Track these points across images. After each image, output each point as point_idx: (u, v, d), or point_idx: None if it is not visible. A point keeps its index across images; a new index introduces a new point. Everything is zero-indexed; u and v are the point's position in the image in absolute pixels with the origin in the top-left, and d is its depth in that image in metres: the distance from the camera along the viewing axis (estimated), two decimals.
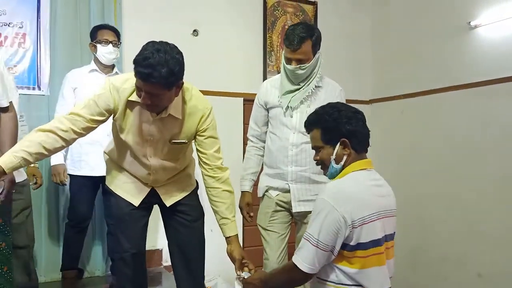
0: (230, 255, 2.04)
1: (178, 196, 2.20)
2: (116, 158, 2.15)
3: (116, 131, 2.04)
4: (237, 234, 2.07)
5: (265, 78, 3.85)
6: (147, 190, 2.16)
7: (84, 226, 2.97)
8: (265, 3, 3.89)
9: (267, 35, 3.90)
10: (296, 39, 2.25)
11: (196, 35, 3.62)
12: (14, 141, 2.00)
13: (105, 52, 2.89)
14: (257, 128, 2.55)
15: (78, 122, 1.86)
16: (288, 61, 2.32)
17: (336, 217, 1.54)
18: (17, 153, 1.72)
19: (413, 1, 3.89)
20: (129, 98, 1.90)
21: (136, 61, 1.72)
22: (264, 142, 2.54)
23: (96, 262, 3.29)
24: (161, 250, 3.43)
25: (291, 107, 2.37)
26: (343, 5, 4.24)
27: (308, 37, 2.27)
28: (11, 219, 1.96)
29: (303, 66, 2.30)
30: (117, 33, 2.95)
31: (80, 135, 1.88)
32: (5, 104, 2.04)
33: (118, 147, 2.10)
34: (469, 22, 3.35)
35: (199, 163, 2.12)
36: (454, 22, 3.49)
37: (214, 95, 3.57)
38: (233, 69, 3.75)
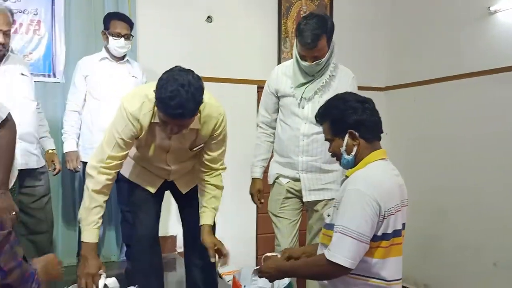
0: (204, 243, 2.06)
1: (193, 183, 2.23)
2: (135, 159, 2.18)
3: (136, 146, 2.07)
4: (211, 225, 2.09)
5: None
6: (162, 180, 2.21)
7: None
8: None
9: (282, 21, 3.86)
10: (310, 37, 2.18)
11: (210, 22, 3.59)
12: (7, 161, 1.93)
13: (117, 46, 2.87)
14: (267, 115, 2.53)
15: (117, 163, 1.94)
16: (303, 57, 2.27)
17: (374, 207, 1.53)
18: (95, 224, 1.93)
19: None
20: (152, 121, 1.91)
21: (162, 100, 1.70)
22: (274, 129, 2.53)
23: (111, 247, 3.33)
24: (175, 237, 3.46)
25: (305, 98, 2.34)
26: None
27: (323, 33, 2.20)
28: None
29: (319, 61, 2.26)
30: (130, 24, 2.91)
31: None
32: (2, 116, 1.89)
33: (136, 154, 2.14)
34: (489, 7, 3.26)
35: (198, 160, 2.14)
36: (474, 7, 3.40)
37: (228, 82, 3.56)
38: (247, 56, 3.72)
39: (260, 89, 3.71)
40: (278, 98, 2.46)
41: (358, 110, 1.65)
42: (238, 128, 3.54)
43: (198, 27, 3.54)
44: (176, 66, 1.79)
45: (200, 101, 1.74)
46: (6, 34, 2.30)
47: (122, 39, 2.86)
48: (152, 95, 1.79)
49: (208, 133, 2.02)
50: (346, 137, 1.66)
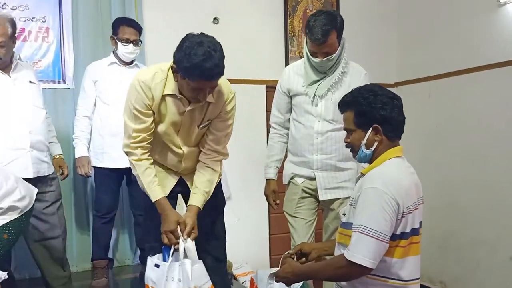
0: (183, 221, 1.99)
1: None
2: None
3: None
4: (199, 208, 2.04)
5: (287, 64, 3.79)
6: (176, 179, 2.18)
7: (110, 217, 3.01)
8: None
9: (288, 20, 3.84)
10: (320, 33, 2.17)
11: (217, 23, 3.59)
12: None
13: (125, 52, 2.89)
14: (280, 115, 2.51)
15: (145, 136, 1.98)
16: (314, 54, 2.27)
17: (393, 205, 1.50)
18: (153, 183, 1.99)
19: None
20: (164, 93, 1.92)
21: (195, 65, 1.72)
22: (287, 129, 2.51)
23: (125, 251, 3.34)
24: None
25: (318, 96, 2.33)
26: None
27: (332, 29, 2.20)
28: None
29: (331, 57, 2.25)
30: (139, 30, 2.92)
31: (151, 142, 2.02)
32: None
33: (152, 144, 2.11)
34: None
35: (201, 141, 2.12)
36: (480, 1, 3.35)
37: (236, 83, 3.54)
38: (254, 56, 3.71)
39: (268, 88, 3.71)
40: (291, 97, 2.45)
41: (388, 106, 1.61)
42: (248, 128, 3.54)
43: (205, 29, 3.50)
44: (188, 34, 1.83)
45: (225, 56, 1.79)
46: (1, 46, 2.28)
47: (131, 44, 2.88)
48: (165, 67, 1.87)
49: (218, 109, 2.02)
50: (370, 131, 1.62)
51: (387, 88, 1.71)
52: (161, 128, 2.02)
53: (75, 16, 3.14)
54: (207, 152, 2.10)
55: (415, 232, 1.58)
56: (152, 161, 2.04)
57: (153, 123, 2.00)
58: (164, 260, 1.94)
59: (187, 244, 1.90)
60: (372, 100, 1.61)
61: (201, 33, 1.83)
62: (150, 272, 1.95)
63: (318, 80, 2.33)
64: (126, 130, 2.00)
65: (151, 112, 1.97)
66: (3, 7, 2.97)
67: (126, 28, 2.87)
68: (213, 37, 1.82)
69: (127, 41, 2.86)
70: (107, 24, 3.16)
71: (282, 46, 3.83)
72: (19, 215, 1.99)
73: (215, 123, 2.07)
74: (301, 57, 3.81)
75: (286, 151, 2.56)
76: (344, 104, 1.70)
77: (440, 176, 3.65)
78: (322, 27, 2.17)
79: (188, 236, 1.94)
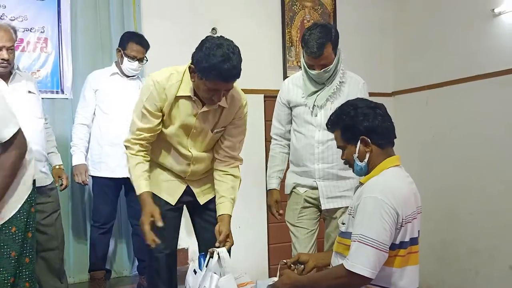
0: (217, 230, 1.99)
1: (211, 194, 2.20)
2: (153, 154, 2.14)
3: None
4: (230, 215, 2.04)
5: (285, 73, 3.82)
6: (183, 187, 2.17)
7: (108, 227, 3.00)
8: None
9: (286, 31, 3.87)
10: (315, 46, 2.21)
11: (215, 34, 3.61)
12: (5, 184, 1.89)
13: (130, 68, 2.92)
14: (280, 126, 2.53)
15: (146, 136, 2.00)
16: (311, 66, 2.30)
17: (392, 214, 1.51)
18: (140, 177, 1.99)
19: None
20: (178, 94, 1.94)
21: (214, 66, 1.75)
22: (289, 140, 2.52)
23: (123, 262, 3.32)
24: (187, 249, 3.45)
25: (317, 106, 2.35)
26: None
27: (327, 41, 2.23)
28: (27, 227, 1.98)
29: (327, 69, 2.28)
30: (146, 48, 2.94)
31: (151, 142, 2.05)
32: (6, 136, 1.83)
33: (156, 141, 2.09)
34: (493, 9, 3.25)
35: (216, 148, 2.12)
36: (477, 9, 3.39)
37: None
38: (252, 66, 3.70)
39: (266, 98, 3.72)
40: (291, 109, 2.47)
41: (370, 116, 1.63)
42: (246, 137, 3.54)
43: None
44: (207, 36, 1.87)
45: (241, 61, 1.83)
46: (10, 50, 2.31)
47: (137, 62, 2.90)
48: (181, 69, 1.91)
49: (231, 115, 2.04)
50: (358, 144, 1.65)
51: (368, 99, 1.75)
52: (171, 129, 2.02)
53: (74, 26, 3.16)
54: (224, 159, 2.11)
55: (414, 241, 1.58)
56: (148, 159, 2.05)
57: (159, 125, 2.01)
58: (200, 267, 1.94)
59: (222, 254, 1.89)
60: (354, 114, 1.65)
61: (221, 36, 1.87)
62: (189, 277, 1.97)
63: (317, 91, 2.35)
64: (131, 126, 2.03)
65: (160, 114, 1.98)
66: (2, 17, 2.99)
67: (135, 45, 2.89)
68: (232, 41, 1.85)
69: (134, 58, 2.89)
70: (106, 35, 3.18)
71: (280, 56, 3.85)
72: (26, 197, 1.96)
73: (230, 130, 2.08)
74: (299, 67, 3.84)
75: (288, 162, 2.56)
76: (331, 125, 1.74)
77: (438, 185, 3.65)
78: (317, 41, 2.21)
79: (223, 244, 1.93)
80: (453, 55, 3.61)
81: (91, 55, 3.20)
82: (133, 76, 2.98)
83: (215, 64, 1.75)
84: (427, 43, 3.85)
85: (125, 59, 2.89)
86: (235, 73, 1.80)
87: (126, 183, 2.86)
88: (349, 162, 1.72)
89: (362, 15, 4.12)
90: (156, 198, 2.11)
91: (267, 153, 3.71)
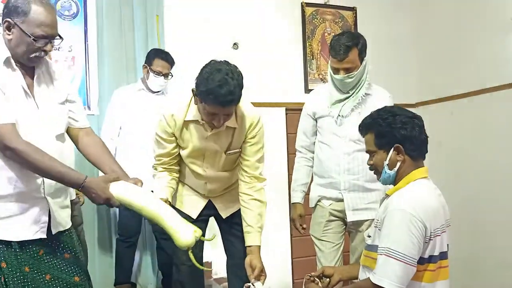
0: (249, 264, 1.97)
1: (234, 208, 2.20)
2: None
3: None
4: (259, 246, 2.02)
5: (306, 87, 3.82)
6: (205, 202, 2.19)
7: (134, 241, 3.03)
8: (303, 12, 3.88)
9: (307, 44, 3.89)
10: (341, 49, 2.25)
11: (237, 48, 3.66)
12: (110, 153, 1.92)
13: (156, 83, 2.99)
14: (306, 138, 2.52)
15: (165, 160, 2.09)
16: (336, 71, 2.31)
17: (420, 228, 1.48)
18: (166, 186, 2.06)
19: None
20: (186, 119, 1.98)
21: (211, 90, 1.77)
22: (313, 152, 2.51)
23: (148, 276, 3.34)
24: (210, 263, 3.45)
25: (342, 116, 2.35)
26: (383, 8, 4.16)
27: (353, 46, 2.26)
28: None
29: (351, 74, 2.29)
30: (172, 64, 3.02)
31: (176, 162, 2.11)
32: (80, 125, 1.85)
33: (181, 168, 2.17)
34: None
35: (238, 169, 2.13)
36: (500, 18, 3.35)
37: (256, 106, 3.56)
38: (274, 80, 3.75)
39: (288, 111, 3.73)
40: (316, 120, 2.46)
41: (408, 126, 1.61)
42: (269, 151, 3.53)
43: (225, 55, 3.57)
44: (211, 60, 1.88)
45: (243, 86, 1.84)
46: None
47: (162, 77, 2.97)
48: (187, 95, 1.95)
49: (243, 134, 2.04)
50: (391, 151, 1.62)
51: (407, 109, 1.72)
52: (184, 153, 2.07)
53: (100, 45, 3.24)
54: (247, 180, 2.09)
55: (443, 255, 1.55)
56: (172, 174, 2.12)
57: (176, 148, 2.07)
58: None
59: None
60: (392, 121, 1.62)
61: (225, 60, 1.88)
62: None
63: (342, 100, 2.36)
64: (153, 154, 2.14)
65: (173, 138, 2.03)
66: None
67: (161, 61, 2.97)
68: (235, 66, 1.87)
69: (159, 73, 2.95)
70: (131, 53, 3.26)
71: (301, 69, 3.86)
72: None
73: (245, 149, 2.08)
74: (321, 79, 3.87)
75: (312, 176, 2.55)
76: (364, 127, 1.71)
77: (465, 197, 3.57)
78: (343, 44, 2.25)
79: (257, 279, 1.93)
80: (476, 65, 3.56)
81: (116, 73, 3.27)
82: (159, 91, 3.04)
83: (212, 89, 1.76)
84: (450, 54, 3.81)
85: (151, 74, 2.95)
86: (232, 98, 1.79)
87: None
88: (376, 168, 1.68)
89: (384, 26, 4.11)
90: (178, 212, 2.14)
91: (290, 166, 3.73)
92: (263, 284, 1.93)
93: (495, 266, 3.39)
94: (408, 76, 4.18)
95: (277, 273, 3.61)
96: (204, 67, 1.86)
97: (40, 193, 1.66)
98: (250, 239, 2.03)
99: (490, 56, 3.43)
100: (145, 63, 3.02)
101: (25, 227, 1.63)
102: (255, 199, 2.07)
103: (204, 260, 3.47)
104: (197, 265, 1.76)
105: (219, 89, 1.76)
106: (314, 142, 2.50)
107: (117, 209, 3.13)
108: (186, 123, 1.99)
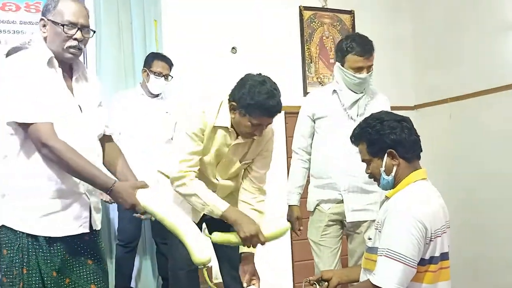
0: (242, 270, 2.02)
1: None
2: None
3: None
4: (253, 254, 2.05)
5: (305, 90, 3.83)
6: None
7: (133, 246, 3.02)
8: (301, 16, 3.89)
9: (305, 47, 3.89)
10: (368, 46, 2.31)
11: (235, 52, 3.66)
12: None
13: (157, 85, 2.99)
14: (303, 140, 2.52)
15: (197, 159, 1.99)
16: (359, 69, 2.32)
17: (421, 229, 1.48)
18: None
19: (453, 2, 3.78)
20: (216, 124, 1.98)
21: (259, 102, 1.84)
22: (310, 154, 2.51)
23: (148, 280, 3.33)
24: (211, 267, 3.44)
25: (361, 115, 2.34)
26: (381, 11, 4.17)
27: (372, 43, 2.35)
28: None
29: (371, 73, 2.35)
30: (170, 65, 3.03)
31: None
32: (108, 132, 1.88)
33: None
34: None
35: (243, 178, 2.15)
36: (497, 20, 3.36)
37: None
38: None
39: (287, 114, 3.72)
40: (314, 121, 2.47)
41: (397, 130, 1.62)
42: None
43: (224, 59, 3.61)
44: (247, 74, 1.96)
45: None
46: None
47: (162, 78, 2.97)
48: (216, 101, 1.97)
49: (260, 146, 2.09)
50: (385, 157, 1.63)
51: (394, 112, 1.75)
52: (205, 158, 2.05)
53: (99, 51, 3.24)
54: (251, 190, 2.12)
55: (444, 256, 1.55)
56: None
57: (203, 155, 2.03)
58: None
59: None
60: (380, 127, 1.63)
61: (259, 73, 1.96)
62: None
63: (357, 100, 2.38)
64: (178, 156, 1.99)
65: (203, 138, 2.00)
66: (29, 43, 3.09)
67: (160, 62, 2.98)
68: (270, 77, 1.95)
69: (160, 74, 2.96)
70: (129, 57, 3.26)
71: (300, 73, 3.87)
72: None
73: (258, 161, 2.12)
74: (319, 82, 3.87)
75: (309, 177, 2.55)
76: (355, 138, 1.73)
77: (465, 199, 3.57)
78: (368, 42, 2.33)
79: (248, 284, 1.97)
80: (474, 66, 3.57)
81: (115, 78, 3.27)
82: (158, 95, 3.04)
83: (261, 101, 1.84)
84: (448, 55, 3.82)
85: (152, 76, 2.96)
86: (279, 108, 1.90)
87: None
88: (374, 176, 1.70)
89: (381, 29, 4.11)
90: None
91: (289, 170, 3.73)
92: (258, 287, 1.95)
93: (496, 266, 3.39)
94: (406, 78, 4.19)
95: (278, 277, 3.60)
96: (243, 80, 1.92)
97: (79, 189, 1.70)
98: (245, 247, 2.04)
99: (489, 58, 3.44)
100: (144, 67, 3.02)
101: (68, 222, 1.67)
102: (256, 210, 2.09)
103: None
104: (210, 284, 1.80)
105: (268, 101, 1.84)
106: (311, 144, 2.50)
107: (117, 214, 3.13)
108: (214, 129, 1.99)
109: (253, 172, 2.12)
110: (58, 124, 1.61)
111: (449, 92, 3.80)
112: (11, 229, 1.62)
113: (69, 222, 1.67)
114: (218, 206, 1.95)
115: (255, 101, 1.84)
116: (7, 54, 2.55)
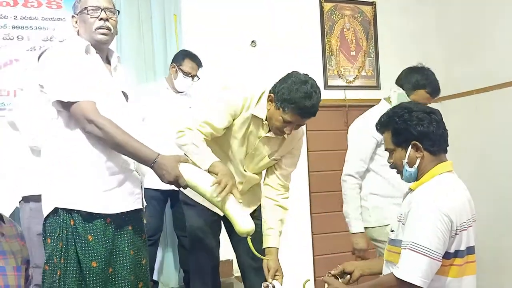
0: (266, 265, 2.00)
1: (251, 208, 2.22)
2: None
3: (223, 136, 2.04)
4: (278, 249, 2.05)
5: (326, 83, 3.79)
6: None
7: (155, 239, 3.04)
8: (321, 8, 3.85)
9: (326, 40, 3.85)
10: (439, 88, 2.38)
11: (255, 46, 3.65)
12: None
13: (184, 84, 3.00)
14: (363, 164, 2.39)
15: (207, 131, 1.95)
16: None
17: (446, 222, 1.45)
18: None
19: None
20: (253, 113, 1.98)
21: (296, 100, 1.82)
22: (362, 179, 2.42)
23: (170, 274, 3.36)
24: (231, 261, 3.45)
25: None
26: (403, 2, 4.09)
27: None
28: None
29: None
30: (200, 66, 3.03)
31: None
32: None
33: (216, 154, 2.04)
34: None
35: (268, 174, 2.15)
36: None
37: None
38: None
39: None
40: (380, 145, 2.32)
41: (425, 121, 1.58)
42: None
43: (243, 52, 3.60)
44: (293, 71, 1.95)
45: (320, 101, 1.89)
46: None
47: (190, 78, 2.98)
48: (257, 91, 1.97)
49: (291, 145, 2.10)
50: (409, 149, 1.59)
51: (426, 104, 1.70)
52: (235, 143, 2.03)
53: (119, 43, 3.26)
54: (277, 187, 2.14)
55: (470, 250, 1.51)
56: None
57: (221, 132, 1.99)
58: None
59: (277, 286, 1.93)
60: (407, 118, 1.60)
61: (306, 74, 1.94)
62: None
63: None
64: (197, 116, 1.98)
65: (230, 120, 1.97)
66: (51, 39, 3.13)
67: (191, 62, 2.99)
68: (315, 80, 1.92)
69: (188, 74, 2.97)
70: (149, 52, 3.28)
71: (320, 66, 3.83)
72: None
73: (286, 158, 2.13)
74: (339, 76, 3.81)
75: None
76: (381, 125, 1.70)
77: (493, 192, 3.49)
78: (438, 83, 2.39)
79: (273, 278, 1.96)
80: (499, 58, 3.48)
81: (135, 72, 3.29)
82: (183, 92, 3.05)
83: (297, 99, 1.82)
84: (472, 47, 3.73)
85: (180, 74, 2.97)
86: (313, 111, 1.87)
87: (172, 195, 2.91)
88: (396, 166, 1.67)
89: (404, 20, 4.05)
90: (201, 210, 2.14)
91: (309, 164, 3.71)
92: (281, 283, 1.96)
93: None
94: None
95: (298, 271, 3.59)
96: (288, 76, 1.92)
97: (129, 165, 1.74)
98: (270, 241, 2.06)
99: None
100: (173, 62, 3.02)
101: (125, 198, 1.72)
102: (280, 206, 2.13)
103: (225, 258, 3.49)
104: (256, 253, 1.84)
105: (303, 100, 1.82)
106: (367, 168, 2.40)
107: None
108: (250, 116, 1.99)
109: (280, 169, 2.13)
110: (101, 103, 1.66)
111: (474, 84, 3.71)
112: (57, 216, 1.64)
113: (126, 198, 1.72)
114: (208, 157, 1.88)
115: (291, 97, 1.83)
116: (39, 58, 2.59)
